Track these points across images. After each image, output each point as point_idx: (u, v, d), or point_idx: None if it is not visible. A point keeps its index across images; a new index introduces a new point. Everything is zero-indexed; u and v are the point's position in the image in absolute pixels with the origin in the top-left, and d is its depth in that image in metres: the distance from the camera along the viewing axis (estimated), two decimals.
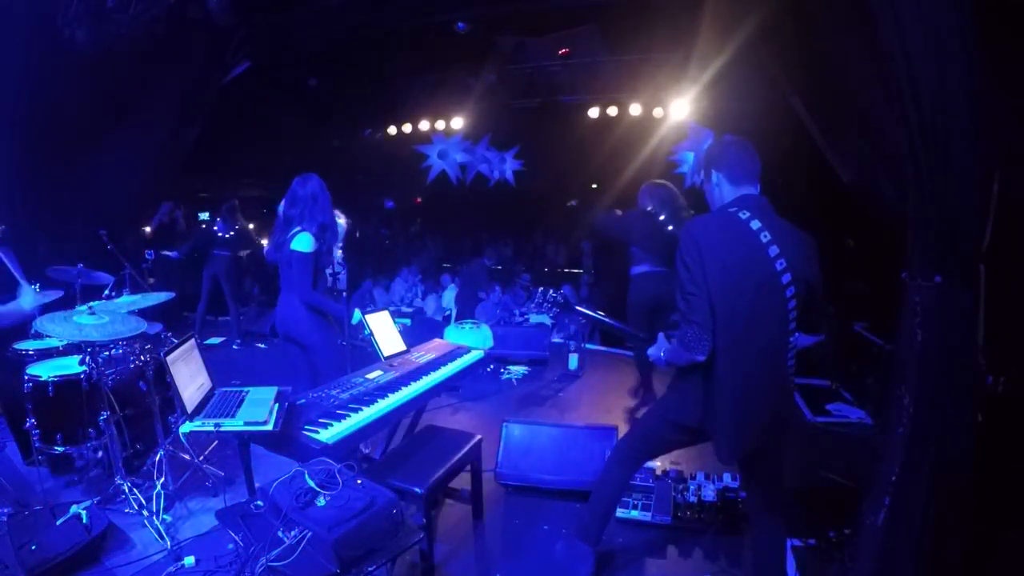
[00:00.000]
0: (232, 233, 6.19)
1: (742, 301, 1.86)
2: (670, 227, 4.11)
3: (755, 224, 1.90)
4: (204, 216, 11.82)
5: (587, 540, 2.42)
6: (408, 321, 6.72)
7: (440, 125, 8.50)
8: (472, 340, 5.41)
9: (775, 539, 2.19)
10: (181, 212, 7.30)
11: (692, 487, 2.98)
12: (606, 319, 2.68)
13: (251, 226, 6.57)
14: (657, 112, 7.45)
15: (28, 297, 2.67)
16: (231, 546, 2.50)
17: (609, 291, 7.21)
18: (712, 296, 1.87)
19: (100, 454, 3.20)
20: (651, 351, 2.10)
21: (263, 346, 6.50)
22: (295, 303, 3.08)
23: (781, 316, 1.90)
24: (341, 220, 3.43)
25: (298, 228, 3.06)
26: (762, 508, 2.16)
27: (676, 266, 1.95)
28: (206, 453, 3.40)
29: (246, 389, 2.53)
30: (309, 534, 1.67)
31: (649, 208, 4.22)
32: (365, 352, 3.09)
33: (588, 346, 6.16)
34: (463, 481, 2.87)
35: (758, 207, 1.96)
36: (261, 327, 6.68)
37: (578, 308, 2.46)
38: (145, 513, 2.78)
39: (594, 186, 10.37)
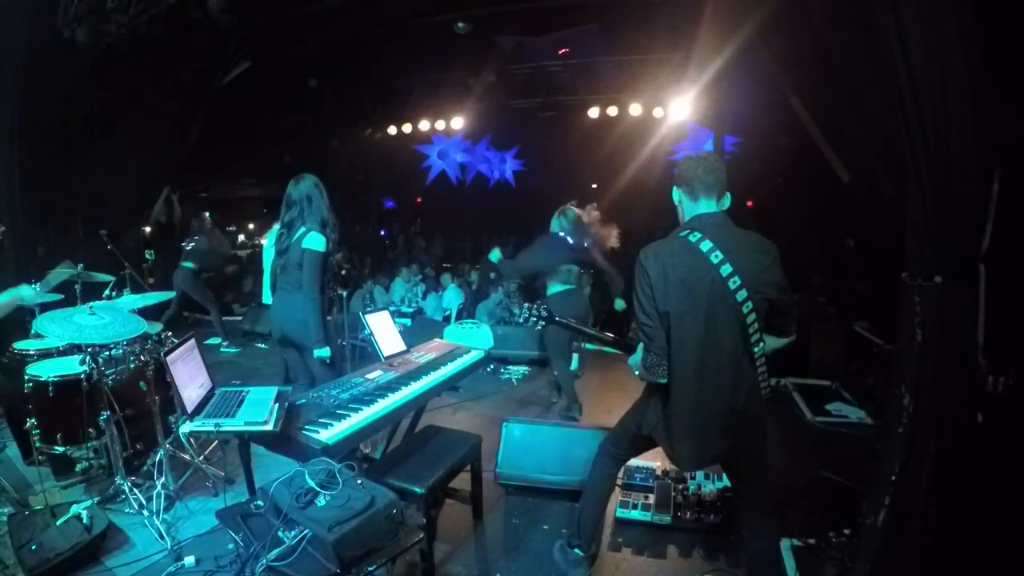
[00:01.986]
0: (191, 245, 6.05)
1: (695, 323, 1.91)
2: (571, 240, 4.28)
3: (705, 245, 1.92)
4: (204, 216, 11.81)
5: (580, 544, 2.41)
6: (408, 321, 6.72)
7: (440, 125, 8.49)
8: (472, 340, 5.41)
9: (766, 537, 2.20)
10: (177, 196, 7.23)
11: (692, 487, 2.98)
12: (588, 330, 2.77)
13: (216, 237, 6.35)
14: (657, 112, 7.44)
15: (26, 290, 2.69)
16: (231, 546, 2.52)
17: (606, 290, 7.21)
18: (667, 321, 1.93)
19: (100, 454, 3.21)
20: (631, 360, 2.14)
21: (263, 346, 6.49)
22: (300, 304, 3.02)
23: (739, 331, 1.93)
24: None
25: (304, 228, 3.02)
26: (751, 508, 2.18)
27: (632, 296, 2.01)
28: (206, 453, 3.40)
29: (246, 389, 2.53)
30: (309, 534, 1.67)
31: (558, 232, 4.34)
32: (365, 352, 3.09)
33: (588, 346, 6.15)
34: (463, 481, 2.87)
35: (711, 225, 1.97)
36: (262, 327, 6.67)
37: (559, 320, 2.51)
38: (145, 513, 2.78)
39: (594, 186, 10.39)
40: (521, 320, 2.55)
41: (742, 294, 1.90)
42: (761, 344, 1.98)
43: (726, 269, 1.89)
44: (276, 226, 3.22)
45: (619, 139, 8.22)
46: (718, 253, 1.90)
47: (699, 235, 1.95)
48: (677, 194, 2.10)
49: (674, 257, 1.95)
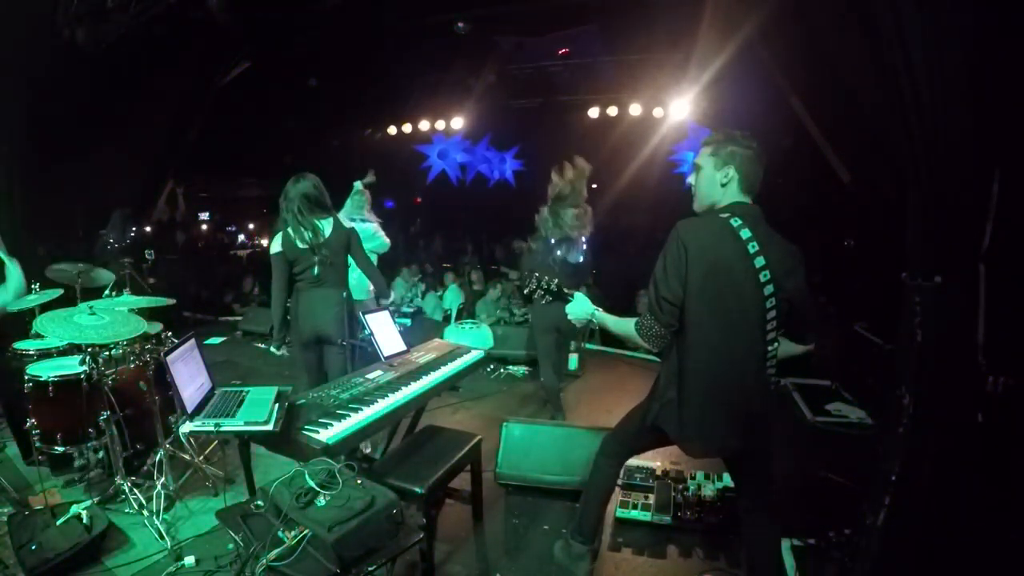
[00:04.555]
0: (126, 243, 5.47)
1: (722, 308, 1.88)
2: (559, 251, 4.32)
3: (745, 233, 1.89)
4: (204, 216, 11.81)
5: (582, 538, 2.43)
6: (408, 321, 6.72)
7: (440, 125, 8.49)
8: (472, 340, 5.41)
9: (768, 537, 2.20)
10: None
11: (692, 487, 2.98)
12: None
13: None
14: (657, 112, 7.45)
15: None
16: (231, 546, 2.52)
17: (607, 291, 7.20)
18: (690, 299, 1.88)
19: (100, 454, 3.21)
20: (569, 308, 2.15)
21: (263, 346, 6.49)
22: (342, 300, 3.05)
23: (760, 325, 1.91)
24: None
25: (330, 217, 3.08)
26: (753, 507, 2.17)
27: (657, 262, 1.94)
28: (206, 453, 3.40)
29: (246, 389, 2.53)
30: (309, 534, 1.67)
31: (539, 235, 4.38)
32: (365, 352, 3.09)
33: (588, 346, 6.16)
34: (463, 481, 2.87)
35: (751, 216, 1.95)
36: (262, 327, 6.67)
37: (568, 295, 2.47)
38: (145, 513, 2.78)
39: (594, 186, 10.39)
40: (527, 292, 2.43)
41: (769, 289, 1.88)
42: (776, 344, 1.96)
43: (760, 261, 1.87)
44: (281, 232, 3.10)
45: (619, 139, 8.21)
46: (755, 244, 1.88)
47: (740, 221, 1.91)
48: (731, 173, 1.98)
49: (715, 237, 1.91)
